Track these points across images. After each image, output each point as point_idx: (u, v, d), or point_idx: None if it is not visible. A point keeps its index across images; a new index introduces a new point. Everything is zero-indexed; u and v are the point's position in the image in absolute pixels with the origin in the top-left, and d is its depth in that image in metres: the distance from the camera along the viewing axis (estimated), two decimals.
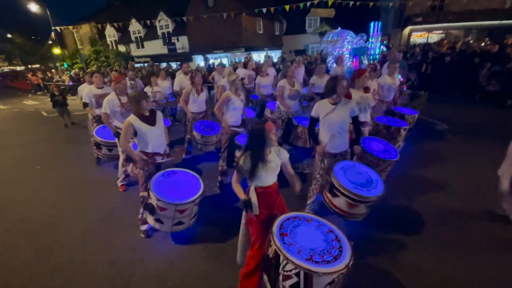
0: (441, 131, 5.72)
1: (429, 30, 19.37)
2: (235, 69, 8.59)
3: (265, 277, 1.81)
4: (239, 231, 2.20)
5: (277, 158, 2.04)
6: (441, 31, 19.09)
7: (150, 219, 2.63)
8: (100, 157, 4.49)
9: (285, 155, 2.11)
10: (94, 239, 3.02)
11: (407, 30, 19.61)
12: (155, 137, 2.75)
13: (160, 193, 2.51)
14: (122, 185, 4.03)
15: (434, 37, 19.03)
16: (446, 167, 4.21)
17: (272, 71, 7.26)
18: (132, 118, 2.65)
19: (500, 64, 7.71)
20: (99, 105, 4.62)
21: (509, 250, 2.54)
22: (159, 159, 2.83)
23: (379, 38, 8.16)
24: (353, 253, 1.64)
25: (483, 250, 2.57)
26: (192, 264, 2.58)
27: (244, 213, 2.07)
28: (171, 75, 7.52)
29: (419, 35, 19.85)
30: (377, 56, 8.30)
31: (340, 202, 2.57)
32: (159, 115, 2.84)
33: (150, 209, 2.52)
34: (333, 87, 2.61)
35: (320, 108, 2.73)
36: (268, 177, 1.99)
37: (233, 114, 3.57)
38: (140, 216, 2.91)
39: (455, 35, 18.18)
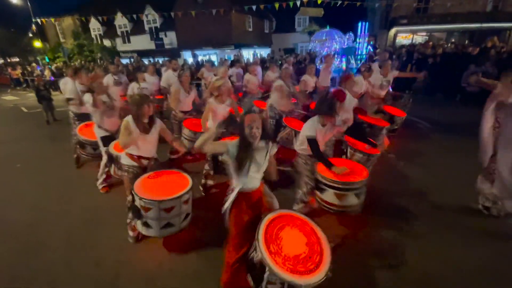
0: (424, 130, 5.93)
1: (414, 32, 19.92)
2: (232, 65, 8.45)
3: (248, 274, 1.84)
4: (225, 231, 2.19)
5: (265, 152, 1.98)
6: (425, 33, 19.68)
7: (139, 225, 2.52)
8: (84, 155, 4.30)
9: (273, 149, 2.03)
10: (79, 240, 2.94)
11: (393, 31, 20.09)
12: (145, 144, 2.63)
13: (144, 193, 2.40)
14: (104, 186, 3.88)
15: (419, 38, 19.59)
16: (429, 164, 4.37)
17: (259, 70, 7.27)
18: (129, 118, 2.53)
19: (480, 66, 8.04)
20: (82, 103, 4.50)
21: (488, 241, 2.68)
22: (145, 163, 2.73)
23: (366, 39, 8.32)
24: (332, 257, 1.72)
25: (464, 243, 2.69)
26: (181, 263, 2.56)
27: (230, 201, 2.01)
28: (158, 71, 7.33)
29: (404, 37, 20.39)
30: (364, 56, 8.47)
31: (329, 196, 2.64)
32: (157, 125, 2.68)
33: (136, 211, 2.41)
34: (330, 107, 2.57)
35: (313, 128, 2.65)
36: (255, 178, 1.97)
37: (218, 120, 3.46)
38: (128, 221, 2.80)
39: (438, 37, 18.77)
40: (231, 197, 1.98)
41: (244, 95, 6.39)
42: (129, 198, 2.62)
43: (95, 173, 4.05)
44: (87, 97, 3.41)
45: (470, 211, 3.16)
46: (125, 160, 2.69)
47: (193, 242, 2.81)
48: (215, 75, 6.27)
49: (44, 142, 6.41)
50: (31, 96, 12.52)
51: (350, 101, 3.49)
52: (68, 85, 4.63)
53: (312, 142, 2.60)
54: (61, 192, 3.99)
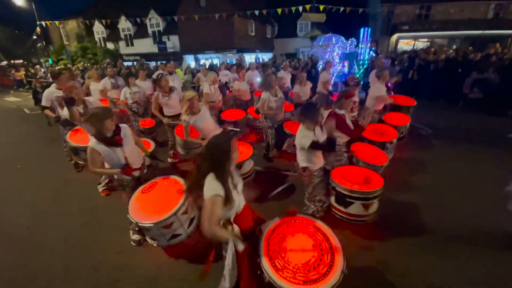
0: (427, 136, 5.90)
1: (416, 38, 20.00)
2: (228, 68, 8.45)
3: None
4: None
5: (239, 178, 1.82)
6: (426, 39, 19.76)
7: (148, 239, 2.52)
8: (80, 162, 4.13)
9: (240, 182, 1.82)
10: (77, 243, 2.91)
11: (394, 37, 20.18)
12: (125, 156, 2.45)
13: (140, 214, 2.31)
14: (104, 189, 3.82)
15: (420, 44, 19.67)
16: (431, 171, 4.32)
17: (256, 74, 7.24)
18: (92, 143, 2.29)
19: (482, 73, 8.03)
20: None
21: (493, 253, 2.62)
22: (137, 173, 2.62)
23: (368, 44, 8.34)
24: (343, 254, 1.66)
25: (468, 254, 2.64)
26: (182, 268, 2.52)
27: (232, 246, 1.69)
28: (149, 76, 7.11)
29: (406, 42, 20.47)
30: (366, 61, 8.48)
31: (356, 208, 2.65)
32: (125, 130, 2.47)
33: (140, 230, 2.43)
34: (312, 114, 2.54)
35: (306, 136, 2.58)
36: (241, 198, 1.78)
37: (201, 130, 3.37)
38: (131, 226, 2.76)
39: (439, 43, 18.84)
40: (231, 239, 1.66)
41: (236, 103, 6.29)
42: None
43: (94, 175, 4.02)
44: (65, 111, 3.30)
45: (478, 220, 3.11)
46: (118, 176, 2.57)
47: (194, 246, 2.74)
48: (204, 76, 6.19)
49: (45, 144, 6.41)
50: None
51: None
52: (45, 93, 4.16)
53: (314, 145, 2.53)
54: (60, 193, 3.97)
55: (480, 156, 4.71)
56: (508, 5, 17.14)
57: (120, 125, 2.48)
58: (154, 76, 5.88)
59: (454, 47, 16.71)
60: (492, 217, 3.11)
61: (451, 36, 18.83)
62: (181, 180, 2.66)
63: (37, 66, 21.21)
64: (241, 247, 1.62)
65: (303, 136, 2.58)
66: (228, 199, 1.59)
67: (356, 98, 4.14)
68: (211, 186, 1.57)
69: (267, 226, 1.90)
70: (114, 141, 2.35)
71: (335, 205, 2.83)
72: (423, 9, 18.91)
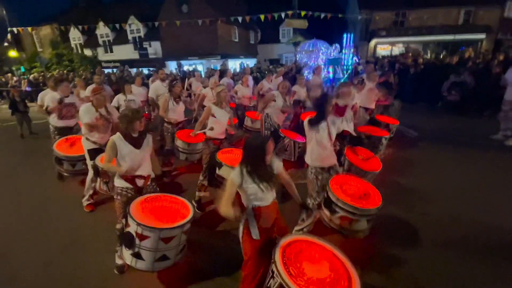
0: (412, 138, 6.06)
1: (392, 43, 20.86)
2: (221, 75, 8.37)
3: None
4: (226, 255, 2.03)
5: (273, 170, 1.93)
6: (402, 44, 20.67)
7: (127, 256, 2.20)
8: (62, 172, 4.02)
9: (279, 164, 1.98)
10: (57, 269, 2.64)
11: (373, 42, 20.94)
12: (137, 160, 2.42)
13: (142, 217, 2.14)
14: (89, 204, 3.59)
15: (396, 49, 20.54)
16: (419, 173, 4.40)
17: (250, 80, 7.22)
18: (116, 137, 2.36)
19: (459, 75, 8.43)
20: (61, 116, 4.23)
21: (490, 253, 2.64)
22: (140, 183, 2.48)
23: (352, 50, 8.53)
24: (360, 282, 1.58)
25: (463, 256, 2.65)
26: None
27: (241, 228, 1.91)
28: (144, 83, 7.13)
29: (383, 48, 21.29)
30: (350, 66, 8.66)
31: (339, 219, 2.51)
32: (148, 139, 2.53)
33: (128, 240, 2.14)
34: (321, 105, 2.58)
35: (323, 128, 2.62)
36: (268, 193, 1.86)
37: (216, 127, 3.38)
38: (117, 249, 2.50)
39: (414, 48, 19.74)
40: (244, 217, 1.86)
41: (236, 106, 6.28)
42: (119, 226, 2.38)
43: (76, 192, 3.75)
44: (88, 110, 3.25)
45: (471, 223, 3.15)
46: (118, 182, 2.44)
47: (189, 271, 2.55)
48: (204, 87, 6.18)
49: (19, 158, 5.96)
50: (4, 108, 11.78)
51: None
52: (47, 96, 4.34)
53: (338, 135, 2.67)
54: (37, 214, 3.63)
55: (470, 158, 4.87)
56: (477, 11, 18.29)
57: (148, 132, 2.57)
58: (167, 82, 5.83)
59: (427, 53, 17.57)
60: (493, 220, 3.14)
61: (426, 41, 19.83)
62: (185, 200, 2.47)
63: (9, 74, 20.01)
64: (255, 234, 1.80)
65: (320, 126, 2.59)
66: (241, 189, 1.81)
67: (357, 99, 4.25)
68: (235, 173, 1.81)
69: (285, 238, 1.84)
70: (135, 142, 2.39)
71: (323, 207, 2.72)
72: (399, 16, 19.87)
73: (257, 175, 1.78)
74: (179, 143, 4.04)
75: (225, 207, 1.75)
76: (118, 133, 2.38)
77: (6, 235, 3.22)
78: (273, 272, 1.58)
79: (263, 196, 1.85)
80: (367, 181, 2.89)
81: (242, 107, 6.28)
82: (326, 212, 2.62)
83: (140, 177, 2.48)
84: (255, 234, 1.80)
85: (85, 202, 3.61)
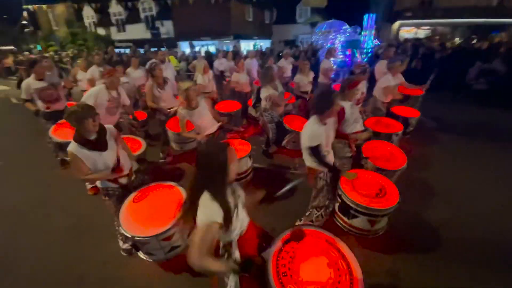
0: (433, 131, 5.66)
1: (418, 26, 19.45)
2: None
3: None
4: None
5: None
6: (428, 27, 19.23)
7: (141, 254, 2.28)
8: (65, 158, 3.90)
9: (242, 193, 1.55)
10: (59, 251, 2.66)
11: (396, 24, 19.59)
12: (111, 161, 2.13)
13: (134, 226, 2.05)
14: (93, 187, 3.54)
15: (421, 32, 19.15)
16: (438, 169, 4.09)
17: (254, 63, 6.83)
18: (73, 148, 1.94)
19: (490, 62, 7.74)
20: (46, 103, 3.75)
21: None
22: (124, 181, 2.32)
23: (373, 32, 7.94)
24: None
25: (485, 264, 2.45)
26: (174, 280, 2.27)
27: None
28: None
29: (407, 30, 19.90)
30: (370, 49, 8.10)
31: (360, 222, 2.39)
32: (110, 131, 2.16)
33: (133, 245, 2.16)
34: (328, 105, 2.21)
35: (315, 134, 2.26)
36: (244, 215, 1.51)
37: (201, 129, 3.06)
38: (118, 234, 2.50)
39: (441, 31, 18.36)
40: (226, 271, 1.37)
41: (235, 93, 5.89)
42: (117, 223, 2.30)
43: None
44: (101, 92, 3.13)
45: (485, 224, 2.90)
46: (102, 184, 2.27)
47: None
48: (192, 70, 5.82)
49: (31, 137, 6.04)
50: None
51: (353, 112, 2.92)
52: (23, 85, 3.66)
53: (315, 150, 2.24)
54: (43, 195, 3.67)
55: (490, 153, 4.49)
56: None
57: (105, 126, 2.16)
58: (147, 66, 5.52)
59: (457, 37, 16.30)
60: None
61: (454, 24, 18.33)
62: (176, 185, 2.40)
63: (26, 53, 20.35)
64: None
65: (311, 132, 2.25)
66: (227, 223, 1.30)
67: (363, 88, 3.86)
68: (207, 211, 1.28)
69: (270, 252, 1.64)
70: (98, 145, 2.02)
71: (338, 213, 2.59)
72: None
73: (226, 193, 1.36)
74: (170, 133, 3.79)
75: (203, 260, 1.24)
76: (73, 142, 1.97)
77: (12, 213, 3.27)
78: None
79: (243, 217, 1.49)
80: (388, 179, 2.68)
81: (244, 95, 5.80)
82: (342, 216, 2.48)
83: (122, 176, 2.29)
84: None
85: (88, 185, 3.57)
